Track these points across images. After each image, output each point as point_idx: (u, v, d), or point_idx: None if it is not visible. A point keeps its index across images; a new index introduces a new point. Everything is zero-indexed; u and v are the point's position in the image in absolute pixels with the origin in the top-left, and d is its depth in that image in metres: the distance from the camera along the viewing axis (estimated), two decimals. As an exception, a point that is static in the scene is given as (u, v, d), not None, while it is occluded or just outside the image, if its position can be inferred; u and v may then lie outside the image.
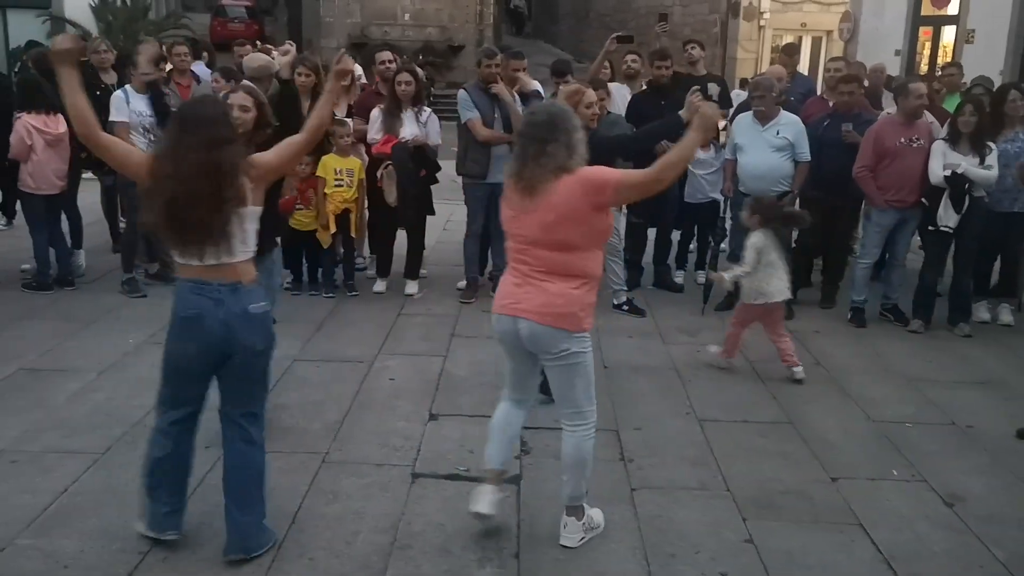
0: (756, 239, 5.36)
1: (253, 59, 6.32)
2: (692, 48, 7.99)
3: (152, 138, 6.66)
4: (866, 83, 7.66)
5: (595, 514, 3.67)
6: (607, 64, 7.70)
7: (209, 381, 3.40)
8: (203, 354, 3.29)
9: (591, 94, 5.39)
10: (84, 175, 9.05)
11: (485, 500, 3.60)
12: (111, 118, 6.52)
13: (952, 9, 13.74)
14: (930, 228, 6.31)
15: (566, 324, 3.33)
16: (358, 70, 9.96)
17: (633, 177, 3.37)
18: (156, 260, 7.25)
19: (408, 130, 6.56)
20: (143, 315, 6.32)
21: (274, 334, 3.43)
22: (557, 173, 3.26)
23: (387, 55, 7.37)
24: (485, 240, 6.94)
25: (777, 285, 5.38)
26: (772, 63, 9.93)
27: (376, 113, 6.62)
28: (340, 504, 3.82)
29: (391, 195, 6.53)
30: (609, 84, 7.16)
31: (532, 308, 3.34)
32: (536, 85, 6.83)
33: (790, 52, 9.12)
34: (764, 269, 5.33)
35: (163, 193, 3.12)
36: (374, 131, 6.61)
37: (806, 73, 18.38)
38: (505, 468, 3.75)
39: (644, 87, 7.47)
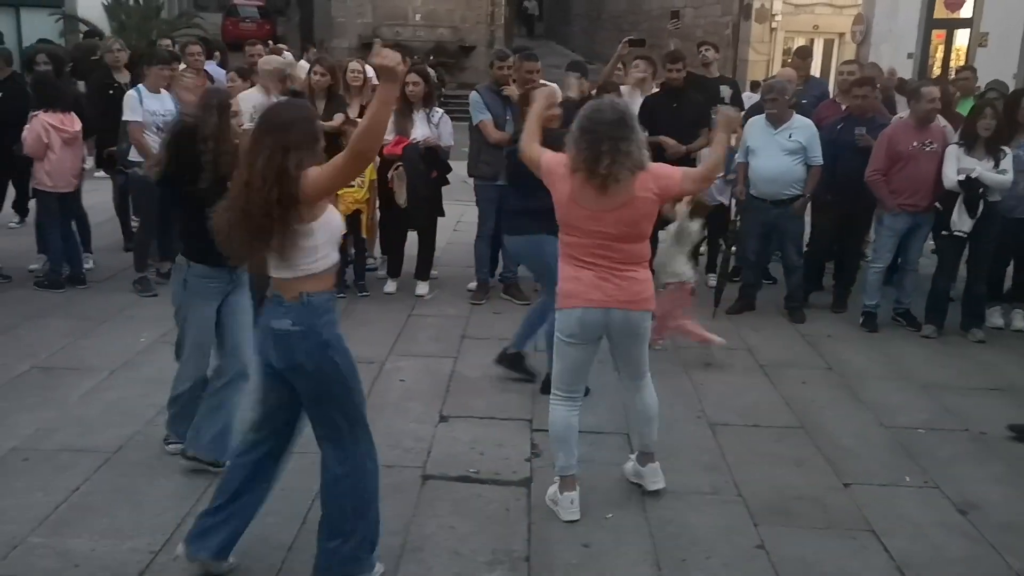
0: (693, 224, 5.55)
1: (268, 61, 6.35)
2: (707, 50, 7.98)
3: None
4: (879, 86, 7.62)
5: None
6: (620, 67, 7.69)
7: (285, 403, 3.21)
8: (260, 367, 3.22)
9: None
10: (96, 173, 9.16)
11: (575, 507, 3.77)
12: (125, 117, 6.54)
13: (966, 12, 13.66)
14: (943, 233, 6.27)
15: (651, 305, 3.79)
16: (370, 71, 9.98)
17: (691, 173, 3.83)
18: (168, 259, 7.26)
19: (419, 131, 6.56)
20: (155, 314, 6.32)
21: (329, 356, 3.09)
22: (634, 170, 3.51)
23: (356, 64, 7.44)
24: (496, 241, 6.92)
25: (686, 267, 5.63)
26: (784, 65, 9.87)
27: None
28: (351, 506, 3.81)
29: (401, 196, 6.53)
30: (621, 87, 7.15)
31: (627, 298, 3.65)
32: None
33: (803, 55, 9.09)
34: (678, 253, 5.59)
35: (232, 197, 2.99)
36: (385, 132, 6.60)
37: (818, 76, 18.39)
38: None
39: (656, 89, 7.44)
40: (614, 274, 3.65)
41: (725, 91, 7.69)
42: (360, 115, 7.00)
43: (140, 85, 6.69)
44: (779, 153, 6.37)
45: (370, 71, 8.90)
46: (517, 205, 5.03)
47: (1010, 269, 6.82)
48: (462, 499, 3.91)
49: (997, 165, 5.96)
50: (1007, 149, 6.03)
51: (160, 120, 6.61)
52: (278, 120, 2.99)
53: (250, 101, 6.21)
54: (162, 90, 6.71)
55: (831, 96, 8.12)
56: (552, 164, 3.71)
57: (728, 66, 18.23)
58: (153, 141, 6.59)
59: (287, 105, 3.32)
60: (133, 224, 7.72)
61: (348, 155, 2.91)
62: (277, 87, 6.66)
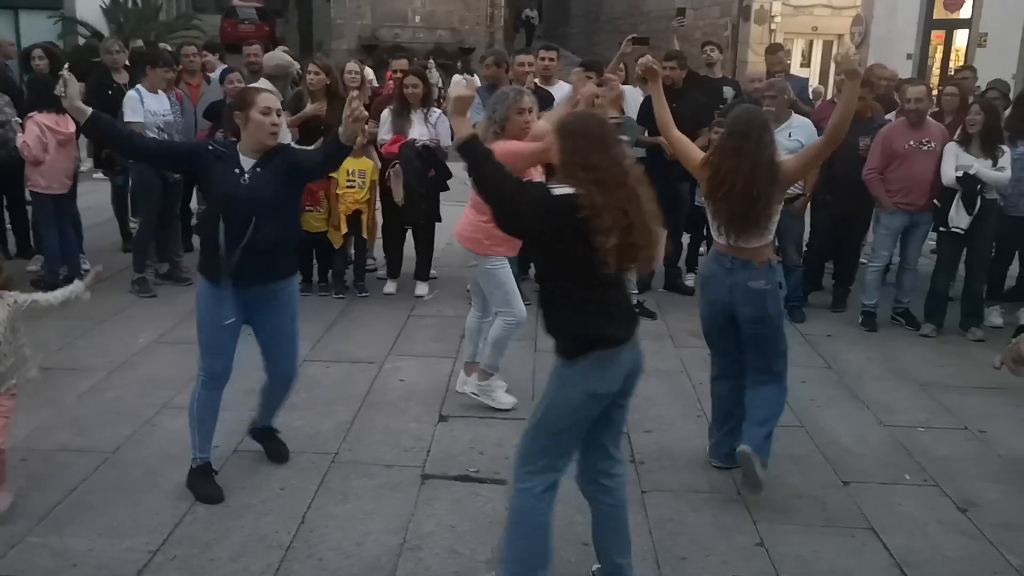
0: None
1: (271, 57, 6.32)
2: (711, 50, 7.96)
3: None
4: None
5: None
6: (622, 66, 7.68)
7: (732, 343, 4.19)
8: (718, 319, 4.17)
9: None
10: (95, 175, 9.16)
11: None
12: (126, 118, 6.53)
13: (965, 12, 13.67)
14: (941, 230, 6.27)
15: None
16: (369, 73, 9.97)
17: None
18: (166, 260, 7.26)
19: (417, 131, 6.55)
20: (154, 315, 6.34)
21: (780, 308, 4.05)
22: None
23: (402, 63, 7.43)
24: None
25: None
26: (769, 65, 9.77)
27: (386, 114, 6.62)
28: (350, 504, 3.81)
29: (398, 193, 6.52)
30: (624, 87, 7.14)
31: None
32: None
33: (773, 51, 9.10)
34: None
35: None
36: (383, 132, 6.61)
37: (816, 78, 18.39)
38: None
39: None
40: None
41: (728, 92, 7.68)
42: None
43: (139, 86, 6.69)
44: (779, 152, 6.35)
45: (369, 73, 8.93)
46: None
47: (1013, 269, 6.82)
48: (461, 498, 3.91)
49: (995, 163, 5.96)
50: (1005, 147, 6.03)
51: (160, 120, 6.61)
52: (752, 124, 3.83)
53: None
54: (160, 91, 6.71)
55: (810, 93, 8.11)
56: None
57: (728, 67, 18.24)
58: (153, 142, 6.60)
59: (754, 111, 4.12)
60: (132, 225, 7.72)
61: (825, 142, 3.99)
62: (282, 83, 6.64)
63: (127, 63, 7.81)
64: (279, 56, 6.42)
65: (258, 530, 3.59)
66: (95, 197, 8.29)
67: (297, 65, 6.74)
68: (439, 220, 7.00)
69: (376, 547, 3.49)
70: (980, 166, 5.96)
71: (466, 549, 3.50)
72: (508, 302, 4.67)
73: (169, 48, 9.60)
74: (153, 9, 21.98)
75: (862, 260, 7.35)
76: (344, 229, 6.69)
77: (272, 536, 3.55)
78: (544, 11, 38.85)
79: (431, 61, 18.60)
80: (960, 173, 5.99)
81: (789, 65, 9.59)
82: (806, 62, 19.89)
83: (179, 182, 6.98)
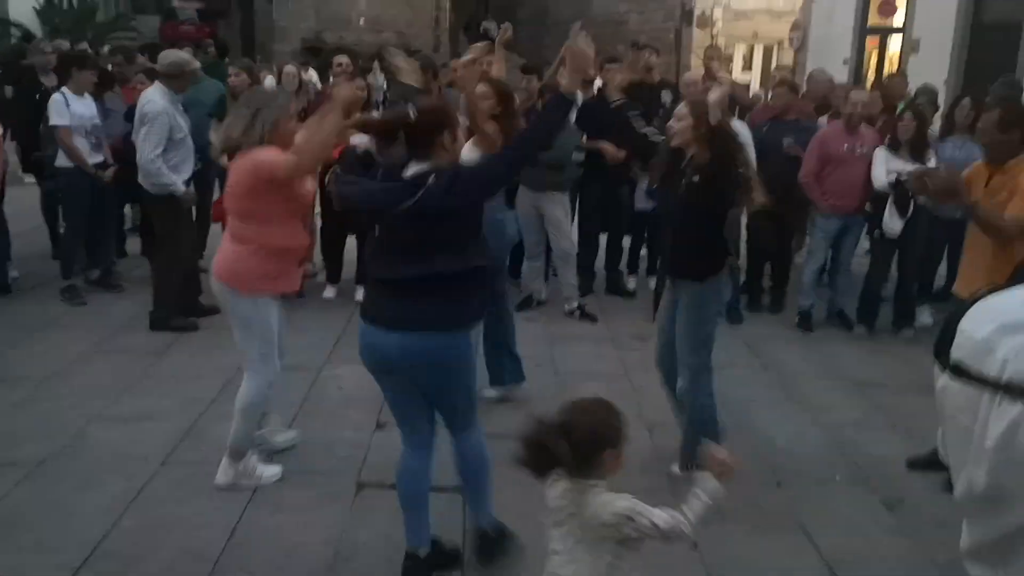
0: None
1: (166, 55, 6.16)
2: (649, 55, 8.03)
3: (95, 140, 6.54)
4: (805, 89, 7.86)
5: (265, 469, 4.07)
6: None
7: None
8: None
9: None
10: (28, 180, 8.90)
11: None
12: (52, 122, 6.38)
13: (898, 20, 13.99)
14: (876, 234, 6.40)
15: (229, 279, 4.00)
16: (313, 76, 9.87)
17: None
18: (99, 267, 7.09)
19: (358, 136, 6.47)
20: (86, 323, 6.19)
21: None
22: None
23: (343, 59, 7.33)
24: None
25: None
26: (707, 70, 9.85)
27: (324, 118, 6.54)
28: (282, 515, 3.76)
29: (338, 200, 6.44)
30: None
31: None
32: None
33: (710, 56, 9.24)
34: None
35: None
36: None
37: (757, 82, 18.67)
38: None
39: (595, 93, 7.46)
40: None
41: (666, 96, 7.74)
42: (297, 118, 6.90)
43: (64, 88, 6.52)
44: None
45: (313, 76, 8.85)
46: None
47: (942, 268, 6.98)
48: (398, 507, 3.84)
49: (924, 167, 6.10)
50: (932, 152, 6.18)
51: (88, 123, 6.46)
52: None
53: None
54: (87, 94, 6.56)
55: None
56: None
57: (672, 71, 18.43)
58: (83, 144, 6.44)
59: None
60: (61, 230, 7.52)
61: None
62: (182, 82, 6.50)
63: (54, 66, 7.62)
64: (174, 54, 6.24)
65: (188, 544, 3.52)
66: (24, 202, 8.05)
67: (197, 63, 6.58)
68: (381, 221, 6.94)
69: (308, 558, 3.45)
70: (910, 171, 6.08)
71: (401, 559, 3.46)
72: (266, 357, 3.94)
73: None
74: (89, 10, 21.48)
75: (797, 261, 7.47)
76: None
77: (202, 549, 3.48)
78: (491, 13, 38.84)
79: (376, 64, 18.47)
80: (892, 178, 6.12)
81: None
82: (747, 66, 20.21)
83: (112, 187, 6.81)
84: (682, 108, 4.07)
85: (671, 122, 4.05)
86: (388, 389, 3.24)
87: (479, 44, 5.49)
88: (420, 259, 2.97)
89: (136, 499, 3.84)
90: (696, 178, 3.89)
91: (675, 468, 4.24)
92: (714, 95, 4.02)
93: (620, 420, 2.40)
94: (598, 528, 2.31)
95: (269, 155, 3.74)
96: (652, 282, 7.37)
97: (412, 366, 3.06)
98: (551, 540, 2.41)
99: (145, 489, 3.92)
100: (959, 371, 1.47)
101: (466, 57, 5.21)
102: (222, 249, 3.92)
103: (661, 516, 2.29)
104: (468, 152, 4.60)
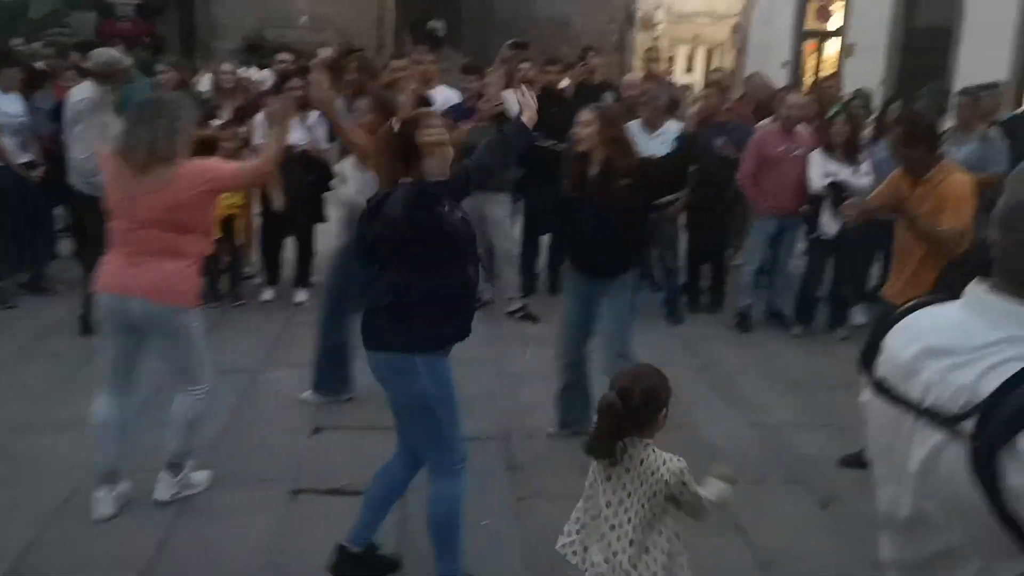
0: None
1: (99, 55, 6.01)
2: (592, 56, 8.09)
3: (22, 140, 6.35)
4: (733, 92, 8.00)
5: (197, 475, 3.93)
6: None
7: None
8: None
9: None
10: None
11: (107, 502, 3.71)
12: (-25, 121, 6.18)
13: (835, 23, 14.26)
14: (813, 236, 6.51)
15: (183, 300, 3.81)
16: (255, 74, 9.70)
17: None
18: (29, 269, 6.89)
19: (295, 135, 6.39)
20: (14, 327, 6.02)
21: None
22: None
23: (286, 55, 7.26)
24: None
25: None
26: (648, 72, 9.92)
27: (260, 118, 6.45)
28: (215, 524, 3.68)
29: (278, 200, 6.36)
30: (504, 92, 7.14)
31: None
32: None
33: (649, 58, 9.33)
34: None
35: None
36: (259, 136, 6.43)
37: (700, 85, 18.86)
38: None
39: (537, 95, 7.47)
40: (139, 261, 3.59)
41: (608, 97, 7.78)
42: (233, 117, 6.80)
43: (-11, 85, 6.33)
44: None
45: (255, 74, 8.70)
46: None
47: (876, 269, 7.11)
48: (333, 513, 3.80)
49: (857, 169, 6.22)
50: (864, 154, 6.30)
51: (15, 122, 6.27)
52: None
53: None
54: (12, 92, 6.37)
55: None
56: None
57: (615, 72, 18.55)
58: (9, 143, 6.26)
59: None
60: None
61: None
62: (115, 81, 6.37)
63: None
64: (106, 52, 6.08)
65: (116, 555, 3.43)
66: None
67: (130, 61, 6.43)
68: (323, 220, 6.87)
69: (240, 568, 3.38)
70: (845, 174, 6.20)
71: (336, 565, 3.42)
72: (203, 365, 3.85)
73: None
74: (22, 5, 20.89)
75: (737, 263, 7.56)
76: (217, 234, 6.46)
77: (131, 561, 3.39)
78: (436, 14, 38.68)
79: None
80: (828, 181, 6.22)
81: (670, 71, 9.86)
82: (690, 68, 20.41)
83: (41, 187, 6.62)
84: (587, 114, 4.16)
85: (576, 128, 4.14)
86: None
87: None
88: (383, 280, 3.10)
89: (62, 509, 3.73)
90: (624, 181, 4.00)
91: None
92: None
93: (667, 382, 2.66)
94: (652, 483, 2.55)
95: (219, 164, 3.78)
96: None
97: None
98: (602, 493, 2.63)
99: (72, 499, 3.81)
100: (882, 389, 1.46)
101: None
102: (150, 269, 3.57)
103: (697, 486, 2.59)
104: (350, 169, 4.68)
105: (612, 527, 2.59)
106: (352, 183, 4.89)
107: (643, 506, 2.56)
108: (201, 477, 3.98)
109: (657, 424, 2.63)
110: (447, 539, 3.21)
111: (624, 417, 2.53)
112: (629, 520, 2.56)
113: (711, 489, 2.65)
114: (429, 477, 3.21)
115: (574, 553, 2.71)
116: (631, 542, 2.55)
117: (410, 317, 3.04)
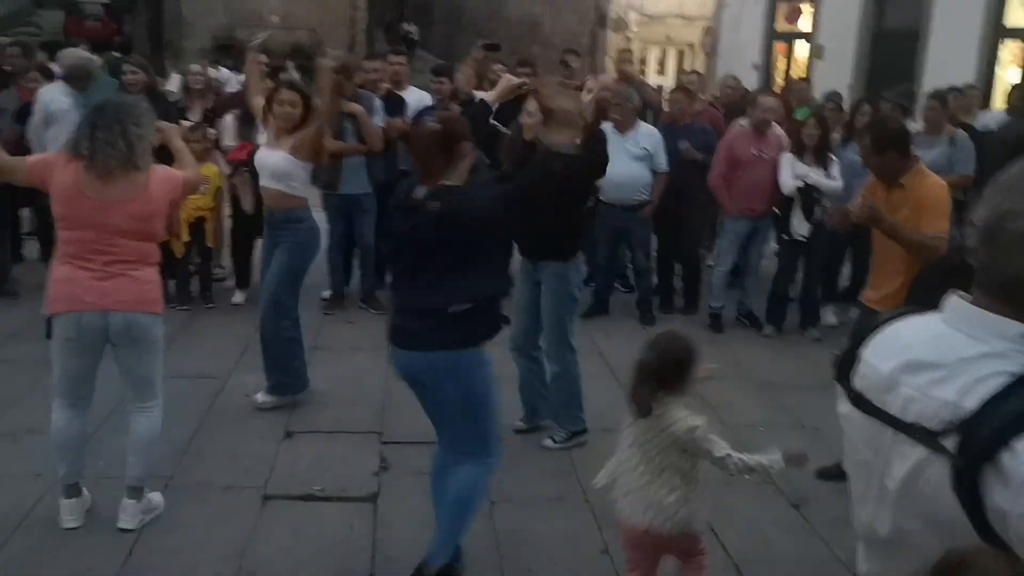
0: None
1: (68, 55, 5.93)
2: (571, 58, 8.10)
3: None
4: (703, 95, 8.04)
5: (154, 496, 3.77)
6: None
7: None
8: None
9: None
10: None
11: (74, 516, 3.65)
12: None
13: (804, 25, 14.38)
14: (784, 237, 6.55)
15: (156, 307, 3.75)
16: (225, 74, 9.59)
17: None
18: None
19: (264, 137, 6.33)
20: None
21: None
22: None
23: (262, 57, 7.17)
24: (348, 251, 6.79)
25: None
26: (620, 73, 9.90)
27: (229, 120, 6.39)
28: (181, 533, 3.62)
29: (247, 201, 6.29)
30: (475, 92, 7.12)
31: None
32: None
33: (620, 60, 9.35)
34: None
35: None
36: (228, 138, 6.37)
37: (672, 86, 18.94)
38: None
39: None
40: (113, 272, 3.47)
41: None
42: (204, 118, 6.73)
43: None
44: (627, 159, 6.47)
45: (225, 74, 8.58)
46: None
47: (846, 269, 7.17)
48: (304, 519, 3.78)
49: (827, 172, 6.27)
50: (834, 156, 6.35)
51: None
52: None
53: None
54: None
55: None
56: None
57: (587, 74, 18.59)
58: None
59: None
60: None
61: None
62: (83, 83, 6.28)
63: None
64: (76, 54, 5.99)
65: (80, 566, 3.37)
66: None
67: (99, 60, 6.34)
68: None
69: (208, 576, 3.33)
70: (816, 176, 6.25)
71: (305, 573, 3.39)
72: (160, 376, 3.74)
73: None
74: (-14, 3, 20.60)
75: (709, 264, 7.59)
76: (186, 237, 6.41)
77: (98, 570, 3.34)
78: (407, 14, 38.55)
79: (289, 63, 18.15)
80: (799, 183, 6.26)
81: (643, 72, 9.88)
82: (661, 70, 20.50)
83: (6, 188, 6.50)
84: (532, 104, 4.14)
85: (522, 116, 4.13)
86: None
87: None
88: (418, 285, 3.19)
89: (25, 519, 3.66)
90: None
91: (547, 442, 4.66)
92: (588, 93, 4.18)
93: (693, 346, 2.99)
94: (670, 435, 2.83)
95: (177, 172, 3.74)
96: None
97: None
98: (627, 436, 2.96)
99: (36, 508, 3.74)
100: (861, 402, 1.43)
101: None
102: (127, 281, 3.46)
103: (717, 444, 2.85)
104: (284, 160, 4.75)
105: (634, 466, 2.91)
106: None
107: (658, 453, 2.86)
108: (158, 498, 3.79)
109: (684, 384, 2.92)
110: (461, 517, 3.28)
111: (653, 375, 2.85)
112: (649, 462, 2.88)
113: (770, 457, 2.90)
114: (462, 461, 3.28)
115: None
116: (648, 483, 2.87)
117: (457, 317, 3.08)
